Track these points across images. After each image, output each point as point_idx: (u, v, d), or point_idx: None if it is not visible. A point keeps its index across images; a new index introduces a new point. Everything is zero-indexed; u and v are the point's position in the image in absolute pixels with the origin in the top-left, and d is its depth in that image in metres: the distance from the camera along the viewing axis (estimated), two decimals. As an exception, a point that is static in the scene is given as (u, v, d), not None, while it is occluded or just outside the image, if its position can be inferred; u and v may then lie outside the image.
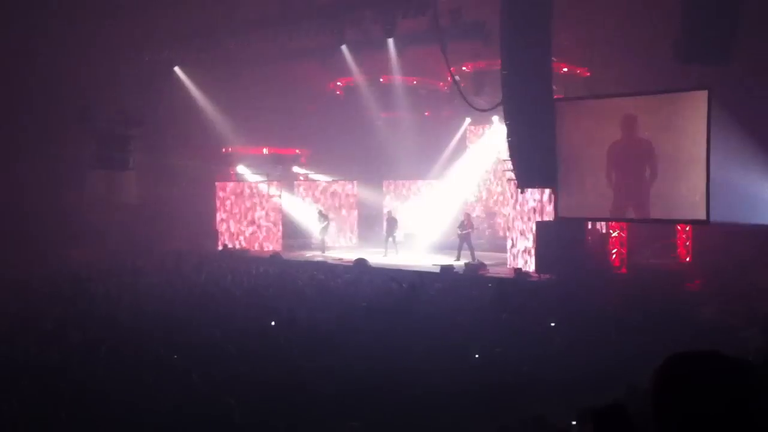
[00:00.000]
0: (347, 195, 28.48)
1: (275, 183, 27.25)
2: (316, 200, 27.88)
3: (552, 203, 18.65)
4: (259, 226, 27.04)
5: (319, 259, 23.84)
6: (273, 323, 13.10)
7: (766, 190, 16.82)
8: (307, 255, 24.59)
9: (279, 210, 26.95)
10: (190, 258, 22.62)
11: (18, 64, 23.49)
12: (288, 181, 28.27)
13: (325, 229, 25.56)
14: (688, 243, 19.58)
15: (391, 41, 22.65)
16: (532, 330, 12.50)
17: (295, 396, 8.93)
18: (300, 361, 10.66)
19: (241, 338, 12.05)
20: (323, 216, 25.83)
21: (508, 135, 17.73)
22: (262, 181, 27.51)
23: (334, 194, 28.38)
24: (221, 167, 28.80)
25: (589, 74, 22.57)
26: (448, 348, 11.24)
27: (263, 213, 27.00)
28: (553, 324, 12.76)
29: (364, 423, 7.94)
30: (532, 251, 19.24)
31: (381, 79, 26.25)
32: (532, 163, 17.59)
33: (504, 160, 20.02)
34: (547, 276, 17.95)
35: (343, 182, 28.64)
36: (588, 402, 5.22)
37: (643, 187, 16.84)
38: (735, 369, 1.88)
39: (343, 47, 23.45)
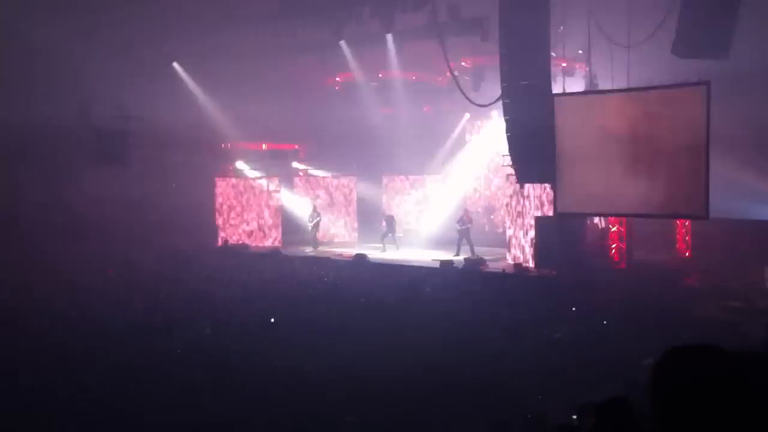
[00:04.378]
0: (346, 190, 28.45)
1: (274, 178, 27.25)
2: (315, 196, 27.86)
3: (551, 198, 18.63)
4: (258, 222, 27.02)
5: (311, 253, 23.84)
6: (272, 320, 13.10)
7: (765, 185, 16.82)
8: (307, 251, 24.60)
9: (278, 205, 26.95)
10: (189, 253, 22.63)
11: (17, 60, 23.44)
12: (287, 177, 28.25)
13: (316, 225, 25.55)
14: (687, 238, 19.60)
15: (389, 36, 22.61)
16: (532, 325, 12.50)
17: (294, 390, 8.93)
18: (299, 355, 10.67)
19: (240, 333, 12.06)
20: (315, 212, 25.82)
21: (507, 130, 17.70)
22: (261, 177, 27.50)
23: (332, 189, 28.35)
24: (220, 163, 28.75)
25: (587, 69, 22.52)
26: (448, 343, 11.25)
27: (262, 208, 26.99)
28: (546, 332, 12.71)
29: (362, 417, 7.95)
30: (532, 246, 19.24)
31: (380, 75, 26.20)
32: (531, 158, 17.57)
33: (503, 155, 19.98)
34: (547, 271, 17.95)
35: (342, 177, 28.62)
36: (587, 397, 5.21)
37: (642, 182, 16.80)
38: (733, 363, 1.87)
39: (342, 42, 23.41)
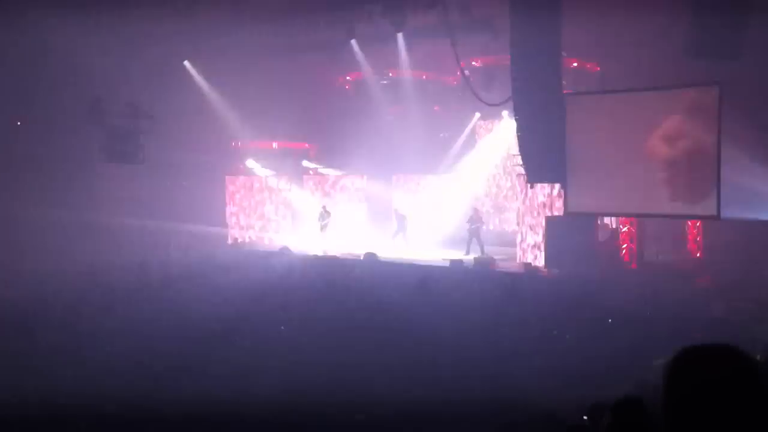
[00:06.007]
0: (356, 189, 28.48)
1: (284, 177, 27.30)
2: (325, 194, 27.90)
3: (561, 198, 18.59)
4: (268, 220, 27.08)
5: (321, 252, 23.88)
6: (282, 328, 13.11)
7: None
8: (317, 249, 24.62)
9: (288, 204, 27.00)
10: (199, 252, 22.70)
11: (28, 57, 23.54)
12: (297, 175, 28.29)
13: (326, 225, 25.62)
14: (698, 238, 19.52)
15: (400, 36, 22.60)
16: (542, 325, 12.48)
17: (303, 388, 8.95)
18: (308, 354, 10.70)
19: (250, 331, 12.10)
20: (326, 212, 25.90)
21: (518, 130, 17.68)
22: (272, 175, 27.55)
23: (343, 188, 28.38)
24: (231, 161, 28.83)
25: (599, 69, 22.46)
26: (457, 342, 11.25)
27: (273, 207, 27.05)
28: (556, 332, 12.68)
29: (371, 416, 7.96)
30: (542, 246, 19.21)
31: (390, 74, 26.20)
32: (541, 157, 17.53)
33: (513, 155, 19.96)
34: (557, 271, 17.91)
35: (352, 176, 28.64)
36: (598, 397, 5.21)
37: (653, 182, 16.75)
38: (746, 363, 1.87)
39: (353, 42, 23.42)
